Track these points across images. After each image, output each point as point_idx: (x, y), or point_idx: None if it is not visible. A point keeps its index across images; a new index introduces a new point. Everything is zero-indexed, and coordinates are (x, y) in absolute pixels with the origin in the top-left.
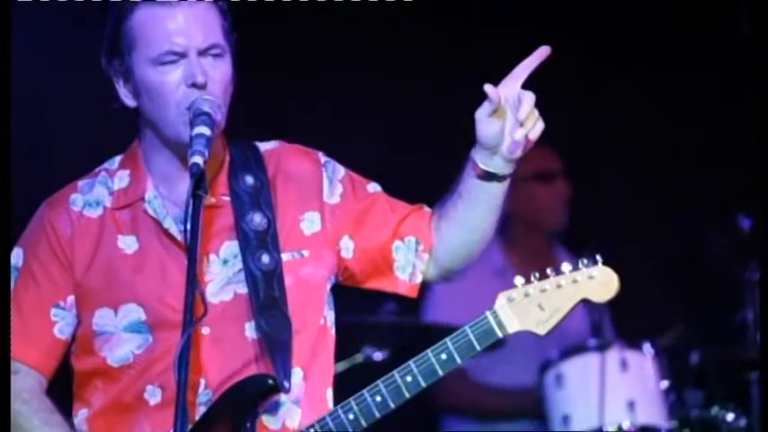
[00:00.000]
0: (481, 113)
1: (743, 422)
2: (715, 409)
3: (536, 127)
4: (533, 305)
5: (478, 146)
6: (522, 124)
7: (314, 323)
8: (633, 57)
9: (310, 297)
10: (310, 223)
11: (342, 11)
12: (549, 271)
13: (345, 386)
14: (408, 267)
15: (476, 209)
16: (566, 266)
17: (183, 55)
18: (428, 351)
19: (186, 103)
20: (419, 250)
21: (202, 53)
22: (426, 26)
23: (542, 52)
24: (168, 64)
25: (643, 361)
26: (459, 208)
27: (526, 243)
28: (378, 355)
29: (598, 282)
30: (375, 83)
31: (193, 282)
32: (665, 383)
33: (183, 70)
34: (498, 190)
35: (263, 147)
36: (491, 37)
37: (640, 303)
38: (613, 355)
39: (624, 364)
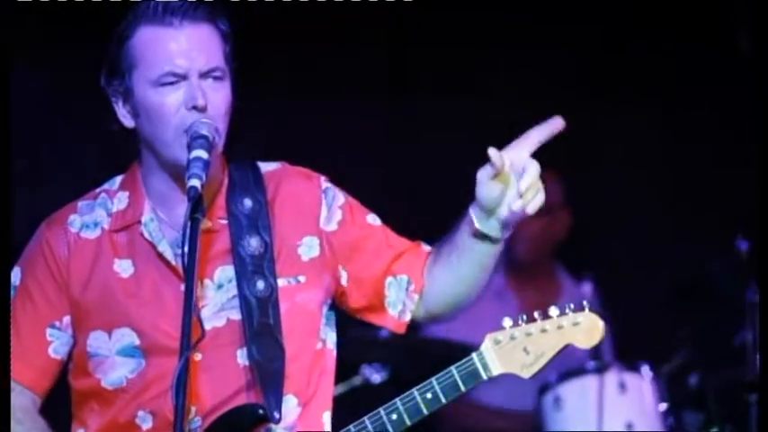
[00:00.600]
0: (482, 175)
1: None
2: None
3: (536, 200)
4: (519, 349)
5: (476, 204)
6: (521, 195)
7: (309, 349)
8: (636, 83)
9: (306, 323)
10: (308, 248)
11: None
12: (536, 314)
13: (343, 409)
14: (399, 305)
15: (467, 263)
16: (553, 311)
17: (183, 77)
18: (414, 390)
19: (185, 125)
20: (410, 290)
21: (203, 76)
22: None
23: (556, 124)
24: (168, 85)
25: (641, 383)
26: (452, 258)
27: (527, 265)
28: (376, 378)
29: (583, 328)
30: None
31: (190, 306)
32: (663, 406)
33: (183, 92)
34: (491, 251)
35: (265, 168)
36: (496, 65)
37: (639, 326)
38: (612, 377)
39: (623, 387)
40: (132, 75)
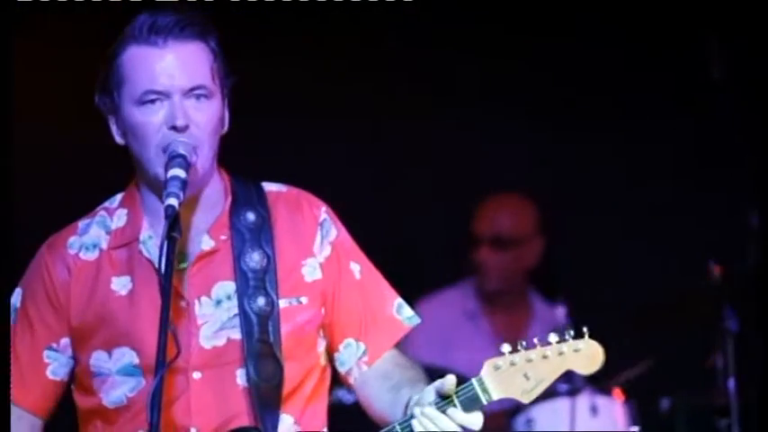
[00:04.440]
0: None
1: None
2: None
3: None
4: (519, 374)
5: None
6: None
7: (308, 367)
8: (605, 109)
9: (306, 344)
10: (312, 269)
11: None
12: (535, 341)
13: None
14: (346, 366)
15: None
16: (552, 337)
17: (167, 95)
18: (411, 415)
19: (164, 145)
20: (362, 360)
21: (187, 94)
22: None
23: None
24: (149, 104)
25: (613, 406)
26: (385, 408)
27: (499, 292)
28: (348, 399)
29: (584, 354)
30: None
31: (165, 324)
32: (634, 429)
33: (164, 112)
34: None
35: (268, 187)
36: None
37: (611, 349)
38: (583, 400)
39: (594, 410)
40: (120, 93)
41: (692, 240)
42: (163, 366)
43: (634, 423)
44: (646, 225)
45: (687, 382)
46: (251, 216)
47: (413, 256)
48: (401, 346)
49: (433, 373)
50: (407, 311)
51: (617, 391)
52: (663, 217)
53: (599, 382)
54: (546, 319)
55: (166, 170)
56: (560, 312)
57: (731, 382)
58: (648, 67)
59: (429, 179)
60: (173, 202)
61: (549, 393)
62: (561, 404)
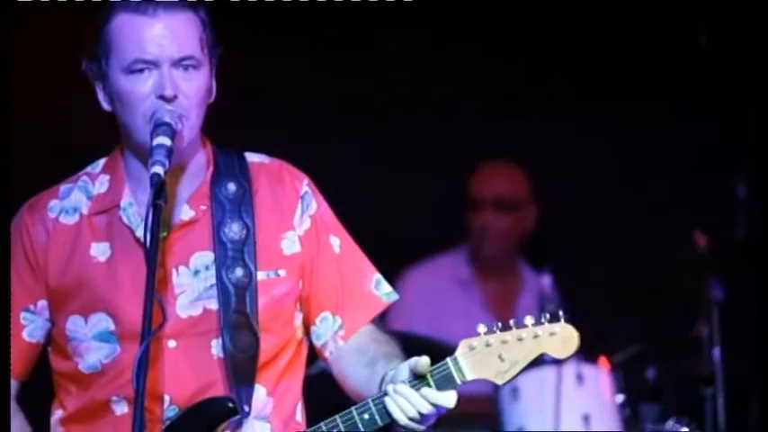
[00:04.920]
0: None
1: None
2: (670, 424)
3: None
4: (494, 355)
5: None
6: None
7: (284, 339)
8: (594, 85)
9: (282, 315)
10: (291, 243)
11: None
12: (511, 322)
13: (311, 390)
14: (322, 339)
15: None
16: (528, 320)
17: (155, 65)
18: (384, 392)
19: (151, 113)
20: (338, 334)
21: (175, 64)
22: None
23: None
24: (137, 73)
25: (599, 375)
26: (368, 381)
27: (492, 259)
28: None
29: (559, 338)
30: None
31: (152, 292)
32: (620, 397)
33: (153, 81)
34: None
35: (251, 158)
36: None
37: (598, 318)
38: (569, 368)
39: (580, 378)
40: (108, 60)
41: (679, 210)
42: (149, 334)
43: (620, 392)
44: (632, 196)
45: (673, 352)
46: (232, 186)
47: (403, 225)
48: (383, 319)
49: (423, 342)
50: (386, 287)
51: (603, 360)
52: (649, 188)
53: (585, 351)
54: (534, 288)
55: (152, 138)
56: (546, 281)
57: (716, 352)
58: (641, 43)
59: (419, 148)
60: (158, 170)
61: (535, 362)
62: (547, 373)
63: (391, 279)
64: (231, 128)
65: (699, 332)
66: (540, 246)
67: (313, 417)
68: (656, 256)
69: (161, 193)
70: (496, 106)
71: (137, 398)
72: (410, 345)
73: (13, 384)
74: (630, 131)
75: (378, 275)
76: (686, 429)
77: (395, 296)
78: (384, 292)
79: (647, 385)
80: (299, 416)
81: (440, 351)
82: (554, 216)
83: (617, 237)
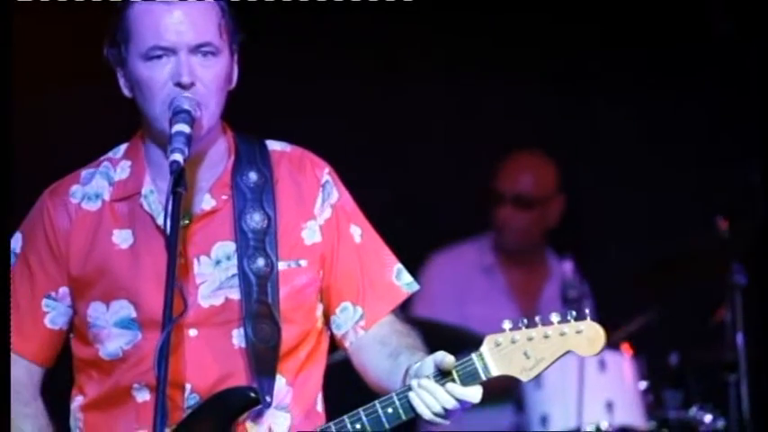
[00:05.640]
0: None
1: (720, 423)
2: (693, 410)
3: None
4: (519, 352)
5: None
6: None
7: (305, 330)
8: (625, 61)
9: (303, 305)
10: (312, 233)
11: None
12: (537, 319)
13: (334, 378)
14: (342, 329)
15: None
16: (554, 317)
17: (173, 51)
18: (408, 387)
19: (169, 100)
20: (359, 324)
21: (193, 51)
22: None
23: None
24: (155, 59)
25: (622, 361)
26: (390, 373)
27: (518, 249)
28: None
29: (585, 336)
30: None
31: (172, 279)
32: (643, 384)
33: (170, 68)
34: None
35: (272, 146)
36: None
37: (621, 303)
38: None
39: (603, 365)
40: (127, 46)
41: (701, 195)
42: (170, 322)
43: (643, 378)
44: (655, 180)
45: (696, 337)
46: (253, 175)
47: (429, 211)
48: (406, 305)
49: (448, 331)
50: (407, 277)
51: (625, 346)
52: (672, 172)
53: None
54: (560, 276)
55: (171, 125)
56: (567, 267)
57: (739, 337)
58: (662, 28)
59: (444, 134)
60: (177, 157)
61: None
62: (570, 359)
63: (415, 266)
64: (254, 120)
65: (722, 317)
66: (562, 233)
67: (333, 407)
68: (679, 241)
69: (180, 181)
70: (520, 91)
71: (158, 385)
72: (435, 333)
73: (37, 371)
74: (653, 116)
75: (399, 265)
76: (710, 416)
77: (416, 286)
78: (405, 282)
79: (670, 371)
80: (320, 406)
81: (464, 340)
82: (576, 201)
83: (639, 222)
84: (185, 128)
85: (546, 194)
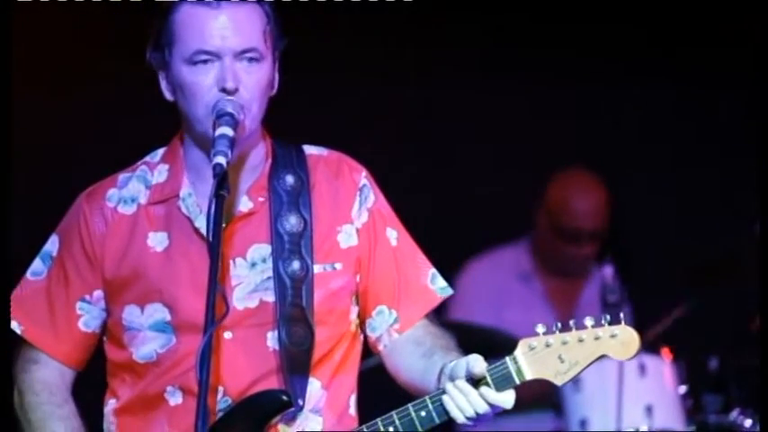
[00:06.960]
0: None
1: (760, 428)
2: (733, 415)
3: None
4: (553, 356)
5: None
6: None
7: (339, 333)
8: (655, 65)
9: (337, 308)
10: (348, 236)
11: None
12: (571, 323)
13: (368, 384)
14: (377, 332)
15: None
16: (588, 321)
17: (217, 56)
18: (442, 390)
19: (213, 104)
20: (393, 327)
21: (238, 56)
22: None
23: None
24: (200, 64)
25: (661, 365)
26: (425, 372)
27: (553, 249)
28: None
29: (620, 341)
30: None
31: (214, 283)
32: (683, 388)
33: (215, 73)
34: None
35: (309, 150)
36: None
37: (660, 307)
38: (632, 359)
39: (642, 369)
40: (171, 51)
41: (741, 197)
42: (212, 325)
43: (682, 382)
44: (692, 184)
45: (736, 342)
46: (290, 179)
47: (465, 217)
48: (441, 311)
49: (484, 333)
50: (441, 282)
51: (665, 351)
52: (711, 177)
53: (647, 341)
54: (599, 282)
55: (214, 128)
56: (608, 272)
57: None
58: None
59: (489, 145)
60: (221, 160)
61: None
62: (609, 363)
63: (451, 272)
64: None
65: (760, 323)
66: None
67: (367, 411)
68: (718, 244)
69: (224, 184)
70: (558, 100)
71: (200, 389)
72: (468, 335)
73: (69, 373)
74: (692, 120)
75: (433, 270)
76: (750, 420)
77: (450, 291)
78: (439, 286)
79: (709, 376)
80: (353, 410)
81: (498, 343)
82: (619, 202)
83: (678, 225)
84: (229, 131)
85: (605, 224)
